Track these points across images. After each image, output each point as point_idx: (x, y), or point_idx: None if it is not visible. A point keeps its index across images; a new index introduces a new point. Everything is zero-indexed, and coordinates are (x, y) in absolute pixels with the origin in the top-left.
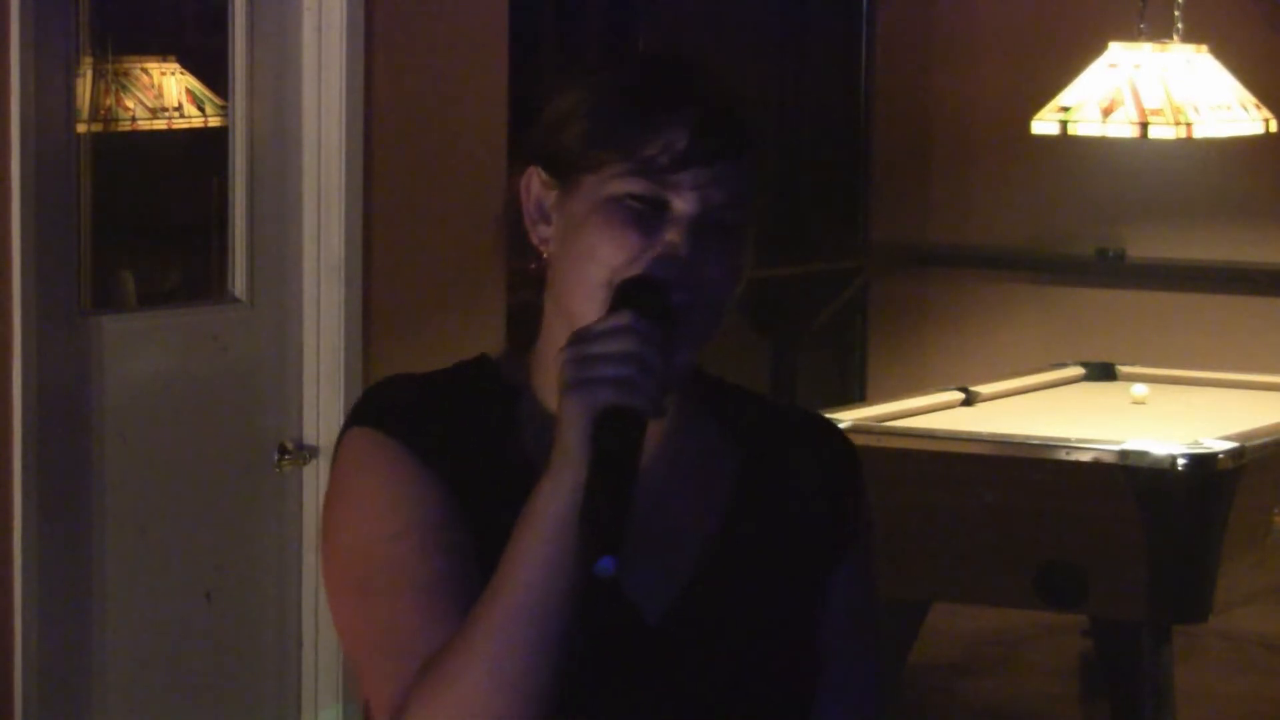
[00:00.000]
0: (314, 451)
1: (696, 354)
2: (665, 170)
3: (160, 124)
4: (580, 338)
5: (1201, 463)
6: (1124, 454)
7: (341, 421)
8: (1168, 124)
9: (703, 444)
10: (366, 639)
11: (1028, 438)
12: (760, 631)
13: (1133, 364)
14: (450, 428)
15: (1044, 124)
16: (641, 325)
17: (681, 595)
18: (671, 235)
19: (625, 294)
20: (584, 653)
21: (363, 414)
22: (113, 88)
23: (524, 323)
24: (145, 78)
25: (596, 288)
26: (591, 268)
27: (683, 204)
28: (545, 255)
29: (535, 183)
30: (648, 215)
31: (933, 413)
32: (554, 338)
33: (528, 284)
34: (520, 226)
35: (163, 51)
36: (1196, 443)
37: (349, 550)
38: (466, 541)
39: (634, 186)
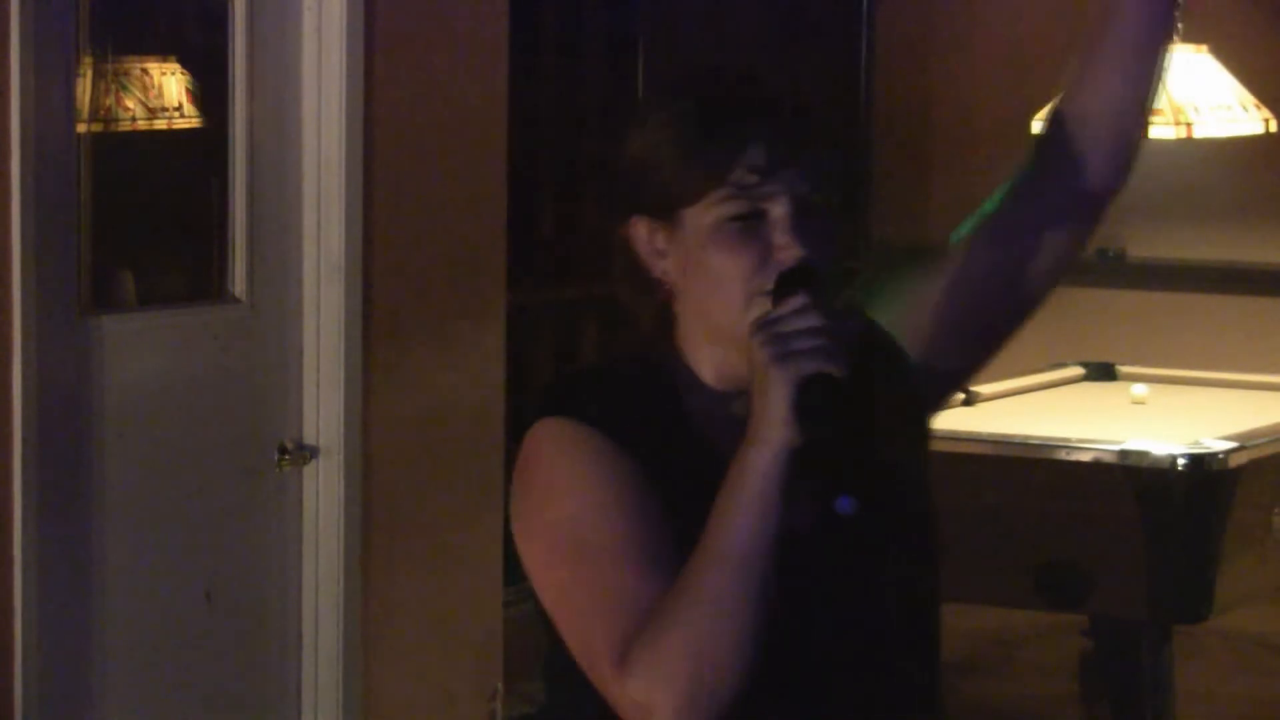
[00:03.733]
0: (314, 451)
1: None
2: (755, 186)
3: (160, 124)
4: (768, 322)
5: (1201, 463)
6: (1124, 454)
7: (341, 421)
8: (1168, 124)
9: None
10: (580, 602)
11: (1028, 438)
12: (884, 530)
13: (1133, 364)
14: (632, 412)
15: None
16: (816, 302)
17: (822, 510)
18: (780, 239)
19: (788, 281)
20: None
21: (554, 406)
22: (113, 88)
23: (655, 320)
24: (145, 78)
25: (734, 300)
26: (724, 286)
27: (779, 208)
28: (669, 285)
29: (642, 229)
30: (751, 228)
31: None
32: (695, 338)
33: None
34: (640, 270)
35: (163, 51)
36: (1196, 443)
37: (558, 525)
38: (660, 510)
39: (732, 209)
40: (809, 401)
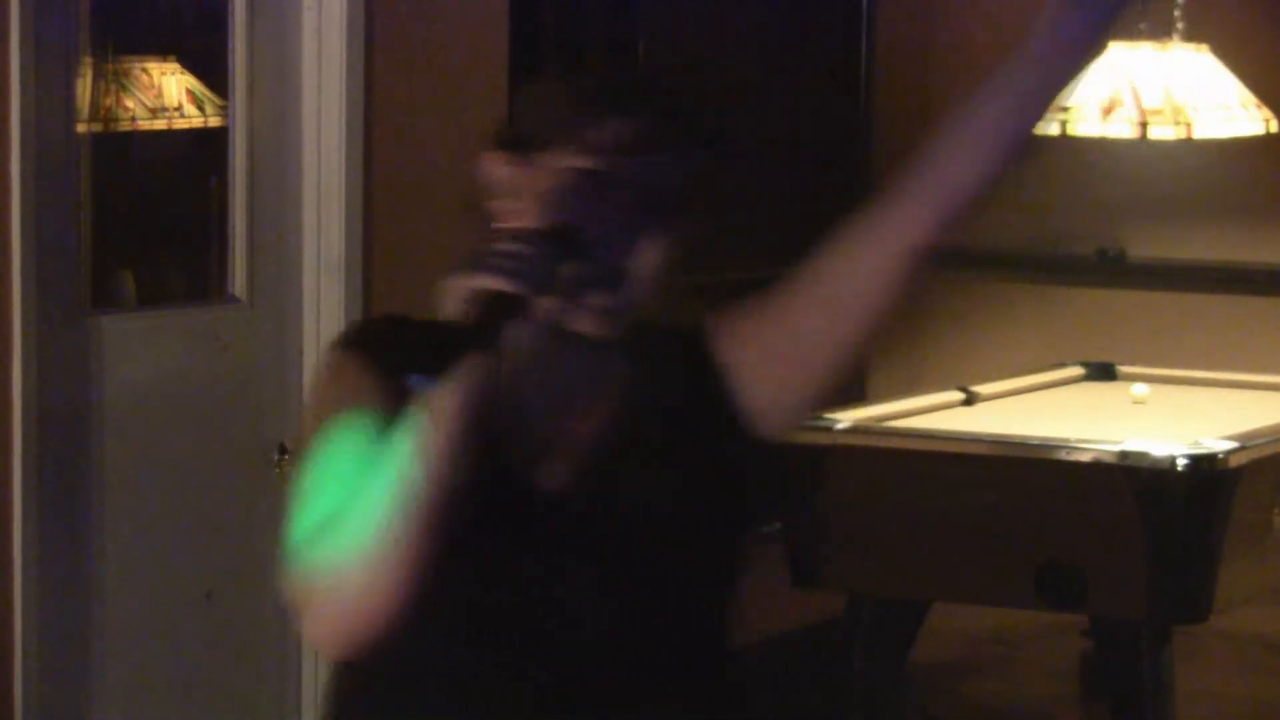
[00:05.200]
0: None
1: (634, 301)
2: (593, 151)
3: (160, 124)
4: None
5: (1201, 463)
6: (1124, 454)
7: None
8: (1168, 124)
9: (610, 362)
10: (298, 490)
11: (1028, 438)
12: (658, 504)
13: (1133, 364)
14: (416, 347)
15: (1044, 124)
16: (533, 240)
17: (579, 474)
18: (539, 194)
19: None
20: (500, 525)
21: (346, 339)
22: (113, 88)
23: None
24: (145, 78)
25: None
26: (494, 219)
27: (551, 164)
28: (497, 224)
29: (494, 163)
30: (525, 181)
31: (933, 413)
32: None
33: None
34: (481, 203)
35: (163, 51)
36: (1196, 443)
37: (308, 433)
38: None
39: (568, 160)
40: (477, 313)
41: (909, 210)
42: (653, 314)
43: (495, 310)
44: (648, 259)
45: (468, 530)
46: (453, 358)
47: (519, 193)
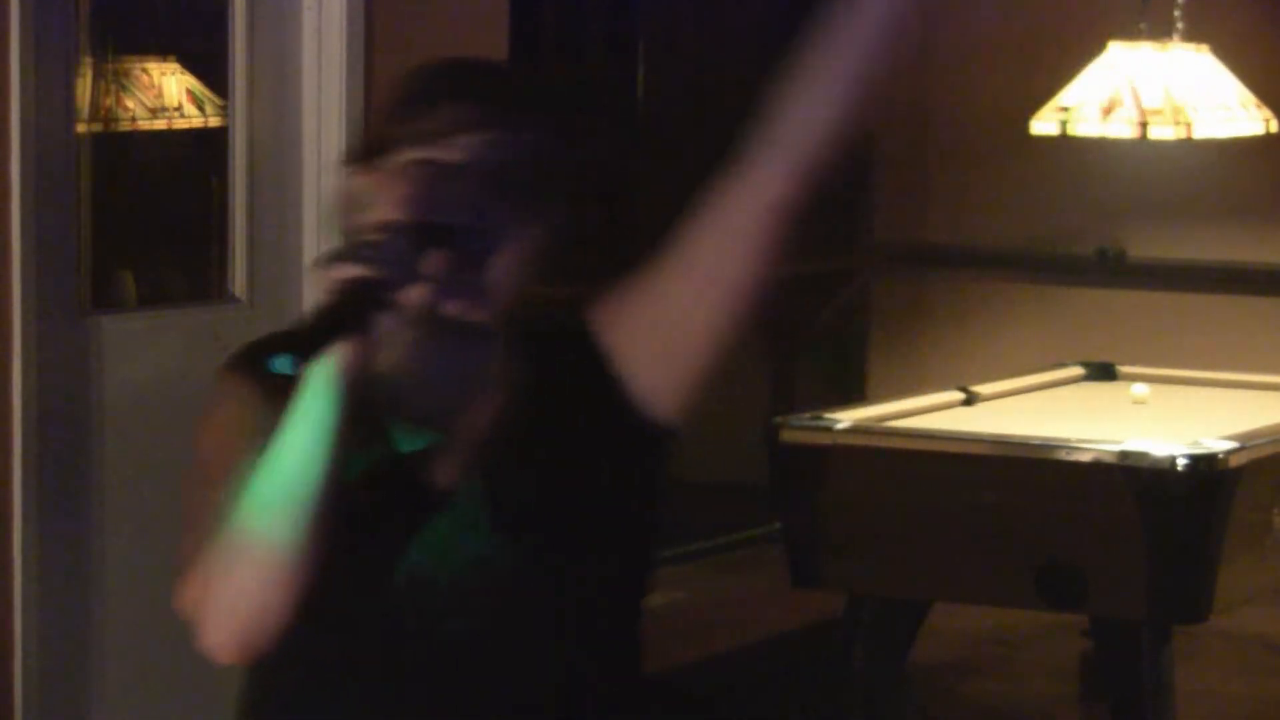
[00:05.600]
0: None
1: (504, 286)
2: (427, 140)
3: (160, 124)
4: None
5: (1201, 463)
6: (1124, 454)
7: None
8: (1168, 124)
9: (489, 352)
10: (184, 519)
11: (1028, 438)
12: (542, 501)
13: (1133, 364)
14: (293, 350)
15: (1044, 124)
16: (393, 229)
17: (468, 467)
18: (400, 189)
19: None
20: (390, 520)
21: (234, 361)
22: (113, 88)
23: None
24: (145, 78)
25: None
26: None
27: (406, 158)
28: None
29: (351, 178)
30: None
31: (933, 413)
32: None
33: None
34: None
35: (163, 51)
36: (1196, 443)
37: (196, 449)
38: None
39: (409, 154)
40: (339, 301)
41: (764, 168)
42: (533, 303)
43: (358, 297)
44: (514, 244)
45: (358, 526)
46: (320, 346)
47: (376, 200)
